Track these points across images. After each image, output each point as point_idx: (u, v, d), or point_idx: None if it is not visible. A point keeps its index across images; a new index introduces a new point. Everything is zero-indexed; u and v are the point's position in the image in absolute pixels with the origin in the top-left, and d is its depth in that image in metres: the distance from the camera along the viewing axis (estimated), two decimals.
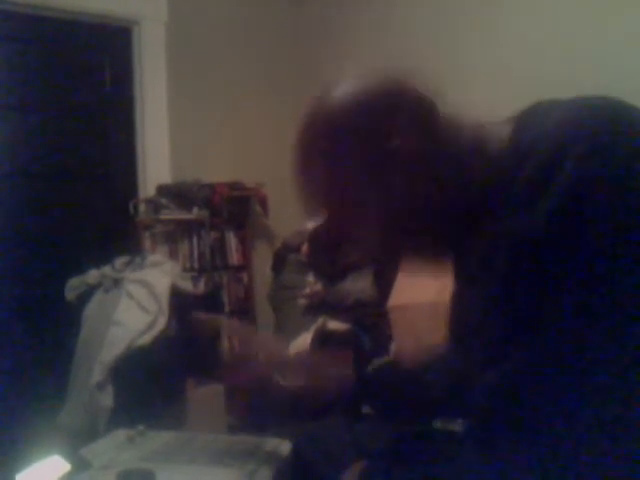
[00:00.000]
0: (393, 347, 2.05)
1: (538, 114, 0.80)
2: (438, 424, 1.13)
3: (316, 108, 0.88)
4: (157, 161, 3.30)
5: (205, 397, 1.40)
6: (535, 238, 0.69)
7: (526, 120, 0.81)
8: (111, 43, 3.27)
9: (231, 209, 3.34)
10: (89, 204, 3.15)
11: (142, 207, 3.19)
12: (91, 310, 2.53)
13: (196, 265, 3.23)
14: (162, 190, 3.17)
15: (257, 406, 1.06)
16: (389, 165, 0.83)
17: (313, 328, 2.46)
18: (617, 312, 0.67)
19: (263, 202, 3.45)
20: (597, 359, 0.67)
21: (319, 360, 1.18)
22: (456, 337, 0.96)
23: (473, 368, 0.81)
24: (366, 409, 1.59)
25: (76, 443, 1.16)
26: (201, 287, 3.11)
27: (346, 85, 0.87)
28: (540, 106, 0.83)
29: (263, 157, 3.53)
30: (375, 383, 1.10)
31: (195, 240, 3.25)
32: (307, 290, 2.80)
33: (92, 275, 2.60)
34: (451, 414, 1.03)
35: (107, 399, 2.26)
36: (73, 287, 2.62)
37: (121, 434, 1.16)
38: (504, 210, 0.74)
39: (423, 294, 1.81)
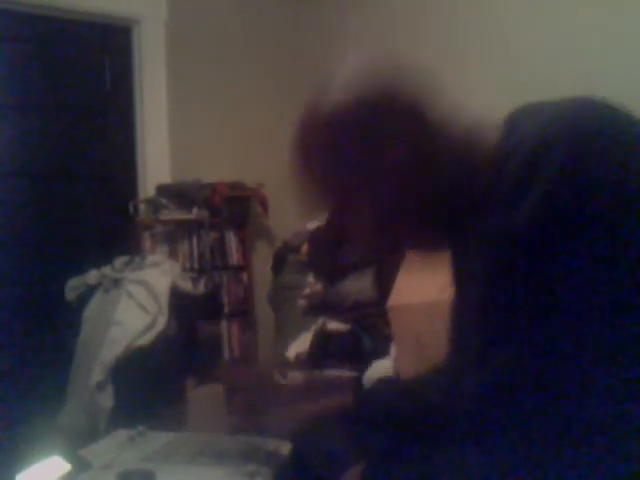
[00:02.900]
0: (393, 347, 2.05)
1: (524, 116, 0.82)
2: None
3: (312, 107, 0.89)
4: (157, 161, 3.30)
5: (205, 397, 1.40)
6: (518, 235, 0.70)
7: (513, 122, 0.82)
8: (111, 43, 3.27)
9: (231, 209, 3.34)
10: (89, 204, 3.15)
11: (142, 207, 3.19)
12: (91, 310, 2.53)
13: (196, 265, 3.22)
14: (162, 190, 3.17)
15: (257, 406, 1.06)
16: (380, 167, 0.84)
17: (313, 328, 2.46)
18: (599, 304, 0.67)
19: (263, 202, 3.45)
20: (585, 355, 0.68)
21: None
22: (454, 339, 0.96)
23: (465, 370, 0.81)
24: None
25: (76, 443, 1.16)
26: (201, 287, 3.10)
27: (340, 85, 0.87)
28: (527, 108, 0.84)
29: (263, 157, 3.53)
30: (372, 406, 1.10)
31: (195, 240, 3.24)
32: (307, 290, 2.80)
33: (92, 275, 2.60)
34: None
35: (107, 399, 2.26)
36: (73, 287, 2.62)
37: (121, 434, 1.16)
38: (490, 209, 0.75)
39: (423, 294, 1.81)
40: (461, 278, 0.93)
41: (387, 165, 0.83)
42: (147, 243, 3.12)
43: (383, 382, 1.44)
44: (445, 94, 0.86)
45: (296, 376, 2.12)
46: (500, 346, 0.73)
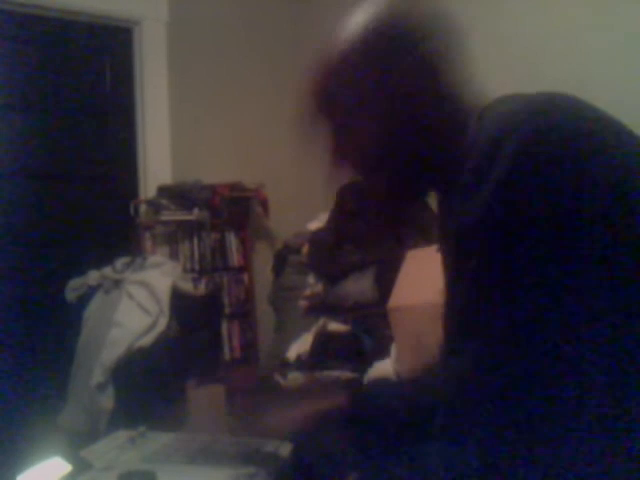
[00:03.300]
0: (393, 348, 2.05)
1: (494, 109, 0.82)
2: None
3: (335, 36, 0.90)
4: (158, 162, 3.30)
5: (205, 398, 1.40)
6: (479, 224, 0.71)
7: (484, 114, 0.83)
8: (111, 43, 3.27)
9: (232, 210, 3.34)
10: (89, 205, 3.15)
11: (143, 208, 3.19)
12: (92, 311, 2.53)
13: (197, 266, 3.23)
14: (163, 191, 3.17)
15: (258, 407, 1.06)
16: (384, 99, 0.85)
17: (313, 329, 2.46)
18: (562, 290, 0.67)
19: (264, 203, 3.46)
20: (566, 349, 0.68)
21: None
22: (445, 332, 0.97)
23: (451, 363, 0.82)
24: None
25: (77, 444, 1.16)
26: (202, 288, 3.10)
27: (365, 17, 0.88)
28: (499, 100, 0.85)
29: (263, 158, 3.53)
30: (368, 406, 1.09)
31: (196, 241, 3.25)
32: (307, 291, 2.80)
33: (92, 276, 2.60)
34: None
35: (108, 400, 2.26)
36: (73, 288, 2.62)
37: (122, 435, 1.16)
38: (456, 200, 0.77)
39: (423, 295, 1.81)
40: (445, 273, 0.95)
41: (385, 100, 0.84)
42: (148, 244, 3.12)
43: (379, 383, 1.43)
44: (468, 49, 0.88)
45: (296, 377, 2.12)
46: (469, 338, 0.74)
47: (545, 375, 0.69)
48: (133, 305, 2.41)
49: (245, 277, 3.43)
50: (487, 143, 0.73)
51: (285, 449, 1.06)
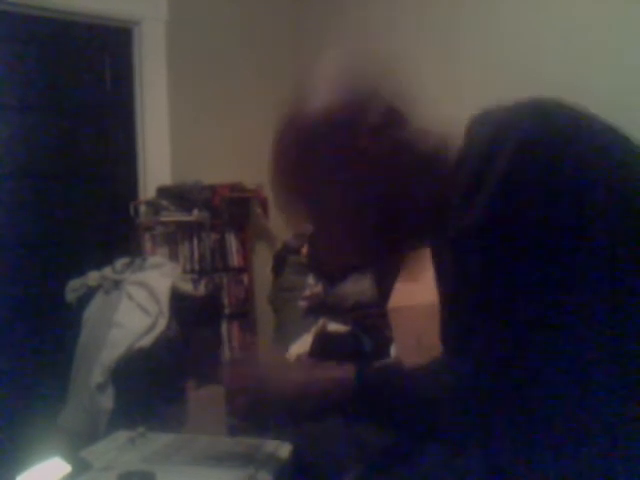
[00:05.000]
0: (393, 349, 2.05)
1: (481, 121, 0.83)
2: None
3: (290, 113, 0.92)
4: (157, 162, 3.30)
5: (205, 399, 1.40)
6: (475, 231, 0.71)
7: (471, 128, 0.83)
8: (111, 43, 3.27)
9: (231, 211, 3.34)
10: (89, 205, 3.15)
11: (142, 209, 3.19)
12: (91, 312, 2.53)
13: (196, 267, 3.23)
14: (162, 192, 3.17)
15: (257, 407, 1.06)
16: (357, 167, 0.84)
17: (313, 330, 2.46)
18: (566, 293, 0.68)
19: (263, 204, 3.45)
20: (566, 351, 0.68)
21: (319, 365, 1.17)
22: (443, 337, 0.97)
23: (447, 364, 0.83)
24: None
25: (77, 445, 1.16)
26: (201, 289, 3.10)
27: (319, 87, 0.90)
28: (484, 113, 0.85)
29: (263, 158, 3.49)
30: (374, 387, 1.09)
31: (195, 242, 3.24)
32: (307, 292, 2.80)
33: (92, 277, 2.60)
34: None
35: (107, 401, 2.26)
36: (73, 289, 2.62)
37: (121, 436, 1.15)
38: (452, 209, 0.77)
39: (424, 296, 1.81)
40: (439, 275, 0.95)
41: (360, 167, 0.84)
42: (148, 245, 3.12)
43: (387, 365, 1.43)
44: (421, 100, 0.87)
45: None
46: (471, 340, 0.75)
47: (547, 376, 0.69)
48: (133, 306, 2.42)
49: (245, 278, 3.43)
50: (483, 145, 0.74)
51: (285, 449, 1.06)
